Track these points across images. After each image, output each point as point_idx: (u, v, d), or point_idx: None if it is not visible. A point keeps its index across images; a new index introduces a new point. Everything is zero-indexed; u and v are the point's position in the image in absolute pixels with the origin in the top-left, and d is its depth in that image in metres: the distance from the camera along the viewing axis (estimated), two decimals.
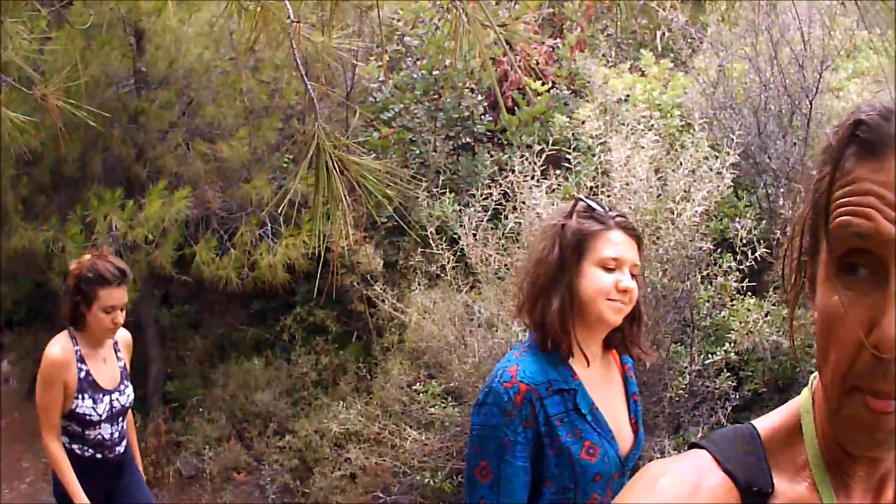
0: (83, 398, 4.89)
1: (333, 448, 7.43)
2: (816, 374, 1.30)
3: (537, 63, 8.08)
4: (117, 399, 5.07)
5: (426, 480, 6.61)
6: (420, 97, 8.56)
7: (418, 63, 8.76)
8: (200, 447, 8.40)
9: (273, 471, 7.91)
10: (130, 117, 8.45)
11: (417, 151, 8.37)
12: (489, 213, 6.56)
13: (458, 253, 6.65)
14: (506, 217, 6.47)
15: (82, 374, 4.89)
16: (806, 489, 1.25)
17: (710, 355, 6.28)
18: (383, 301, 7.03)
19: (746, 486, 1.24)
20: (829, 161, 1.16)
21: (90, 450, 5.03)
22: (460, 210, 6.79)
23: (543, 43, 8.46)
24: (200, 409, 8.73)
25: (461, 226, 6.57)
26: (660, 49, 8.29)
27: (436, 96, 8.50)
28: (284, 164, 8.83)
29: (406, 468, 6.72)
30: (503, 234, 6.49)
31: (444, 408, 6.73)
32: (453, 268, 6.57)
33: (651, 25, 8.54)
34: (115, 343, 5.22)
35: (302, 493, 7.68)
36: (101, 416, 4.96)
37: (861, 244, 1.09)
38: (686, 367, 6.30)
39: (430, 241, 6.58)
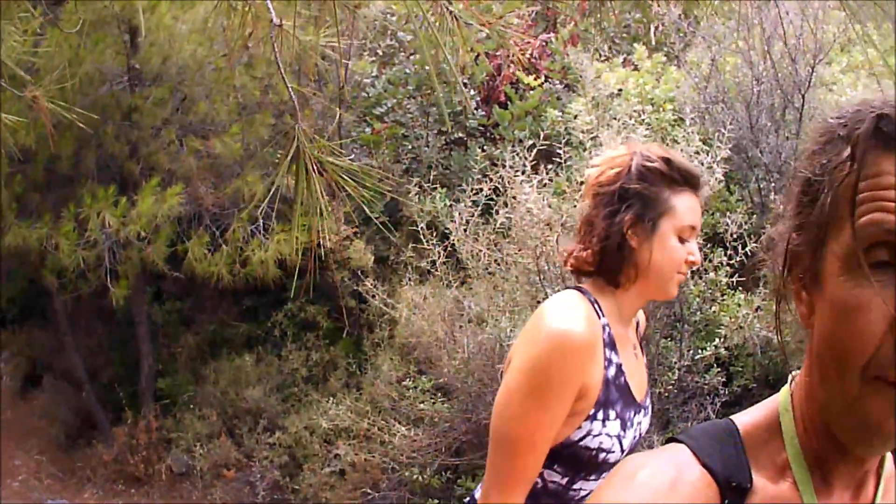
0: (606, 418, 2.61)
1: (323, 444, 7.41)
2: (796, 372, 1.33)
3: (530, 57, 8.07)
4: (642, 420, 2.80)
5: (415, 476, 6.61)
6: (413, 92, 8.57)
7: (411, 58, 8.77)
8: (191, 444, 8.39)
9: (263, 467, 7.90)
10: (124, 114, 8.44)
11: (409, 146, 8.38)
12: (480, 208, 6.54)
13: (449, 248, 6.63)
14: (497, 212, 6.45)
15: (611, 373, 2.62)
16: (786, 488, 1.25)
17: (699, 350, 6.27)
18: (374, 297, 7.01)
19: (725, 480, 1.24)
20: (852, 155, 1.16)
21: None
22: (451, 205, 6.78)
23: (537, 37, 8.45)
24: (191, 406, 8.73)
25: (452, 221, 6.55)
26: (653, 43, 8.28)
27: (428, 91, 8.50)
28: (277, 161, 8.78)
29: (395, 464, 6.70)
30: (494, 229, 6.48)
31: (434, 403, 6.72)
32: (444, 263, 6.56)
33: (645, 19, 8.53)
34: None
35: (292, 490, 7.68)
36: (623, 450, 2.67)
37: (888, 238, 1.10)
38: (675, 363, 6.28)
39: (421, 237, 6.56)
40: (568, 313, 2.54)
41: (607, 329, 2.62)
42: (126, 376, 9.28)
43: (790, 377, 1.33)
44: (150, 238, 7.94)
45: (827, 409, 1.20)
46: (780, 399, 1.33)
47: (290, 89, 3.69)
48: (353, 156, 7.97)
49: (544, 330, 2.51)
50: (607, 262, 2.66)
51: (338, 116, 8.15)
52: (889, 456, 1.33)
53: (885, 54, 8.80)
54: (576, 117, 6.76)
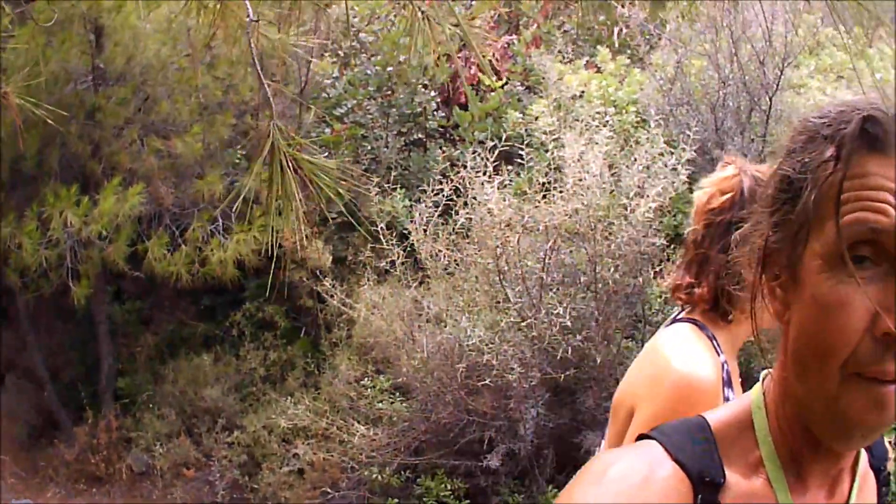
0: None
1: (281, 444, 7.40)
2: (768, 371, 1.33)
3: (492, 59, 8.07)
4: None
5: (374, 476, 6.62)
6: (373, 93, 8.57)
7: (372, 59, 8.75)
8: (151, 443, 8.35)
9: (222, 466, 7.87)
10: (87, 114, 8.44)
11: (369, 147, 8.37)
12: (440, 208, 6.54)
13: (409, 249, 6.62)
14: (456, 213, 6.44)
15: None
16: (760, 485, 1.25)
17: None
18: (332, 296, 7.00)
19: (698, 476, 1.22)
20: (837, 154, 1.17)
21: None
22: (411, 206, 6.77)
23: (499, 39, 8.46)
24: (151, 405, 8.69)
25: (411, 221, 6.54)
26: (616, 45, 8.29)
27: (389, 92, 8.50)
28: (237, 161, 8.83)
29: (354, 463, 6.71)
30: (454, 229, 6.47)
31: (392, 403, 6.72)
32: (402, 263, 6.54)
33: (609, 22, 8.54)
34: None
35: (251, 489, 7.65)
36: None
37: (871, 237, 1.12)
38: None
39: (381, 237, 6.54)
40: (692, 355, 2.37)
41: (725, 367, 2.45)
42: (87, 375, 9.25)
43: (762, 375, 1.34)
44: (111, 237, 7.90)
45: (805, 405, 1.21)
46: (752, 397, 1.33)
47: (265, 86, 3.68)
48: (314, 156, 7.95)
49: (671, 376, 2.31)
50: (725, 299, 2.48)
51: (300, 115, 8.15)
52: (864, 454, 1.34)
53: (854, 58, 8.87)
54: (537, 119, 6.76)
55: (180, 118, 8.55)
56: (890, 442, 5.50)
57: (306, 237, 7.43)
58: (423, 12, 3.82)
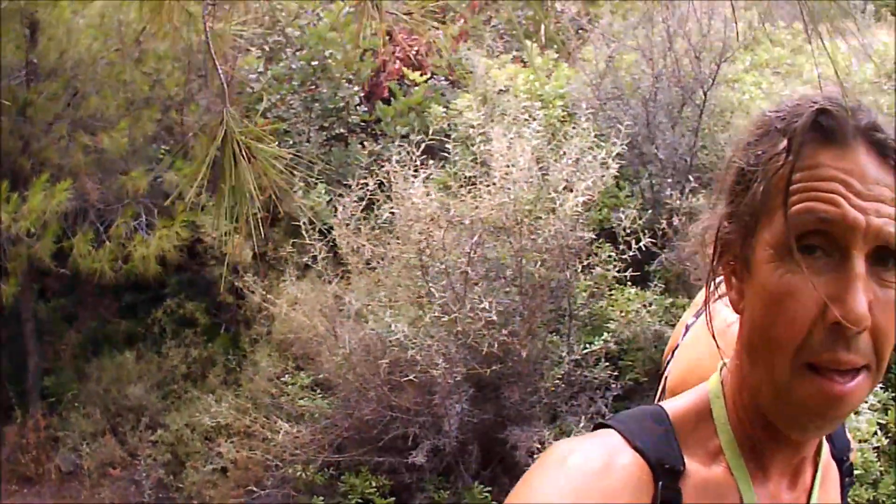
0: None
1: (205, 442, 7.34)
2: (725, 361, 1.34)
3: (417, 53, 8.05)
4: None
5: (298, 473, 6.55)
6: (297, 88, 8.53)
7: (297, 54, 8.70)
8: (78, 442, 8.27)
9: (147, 466, 7.80)
10: (19, 109, 8.35)
11: (291, 142, 8.28)
12: (363, 203, 6.49)
13: (331, 244, 6.57)
14: (379, 207, 6.40)
15: None
16: (720, 472, 1.26)
17: (587, 345, 6.26)
18: (253, 292, 6.93)
19: (658, 463, 1.22)
20: (788, 146, 1.19)
21: None
22: (332, 200, 6.72)
23: (426, 33, 8.44)
24: (76, 404, 8.61)
25: (333, 216, 6.49)
26: (544, 41, 8.28)
27: (313, 87, 8.45)
28: (160, 157, 8.76)
29: (278, 461, 6.63)
30: (377, 224, 6.43)
31: (314, 400, 6.66)
32: (324, 259, 6.48)
33: (537, 17, 8.53)
34: None
35: (176, 488, 7.58)
36: None
37: (821, 227, 1.13)
38: (563, 357, 6.27)
39: (303, 232, 6.48)
40: None
41: None
42: (14, 374, 9.11)
43: (719, 365, 1.35)
44: (39, 234, 7.82)
45: (759, 394, 1.21)
46: (709, 386, 1.34)
47: (220, 71, 3.62)
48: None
49: None
50: None
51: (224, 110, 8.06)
52: (825, 445, 1.36)
53: (792, 53, 8.90)
54: (461, 113, 6.74)
55: (108, 113, 8.46)
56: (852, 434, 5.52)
57: (226, 233, 7.41)
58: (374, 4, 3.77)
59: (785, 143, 1.20)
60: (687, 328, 2.37)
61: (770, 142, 1.23)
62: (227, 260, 7.54)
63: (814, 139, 1.17)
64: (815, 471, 1.33)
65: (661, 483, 1.20)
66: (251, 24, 8.06)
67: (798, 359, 1.14)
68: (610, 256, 6.27)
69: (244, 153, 3.14)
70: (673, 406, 1.32)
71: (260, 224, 3.07)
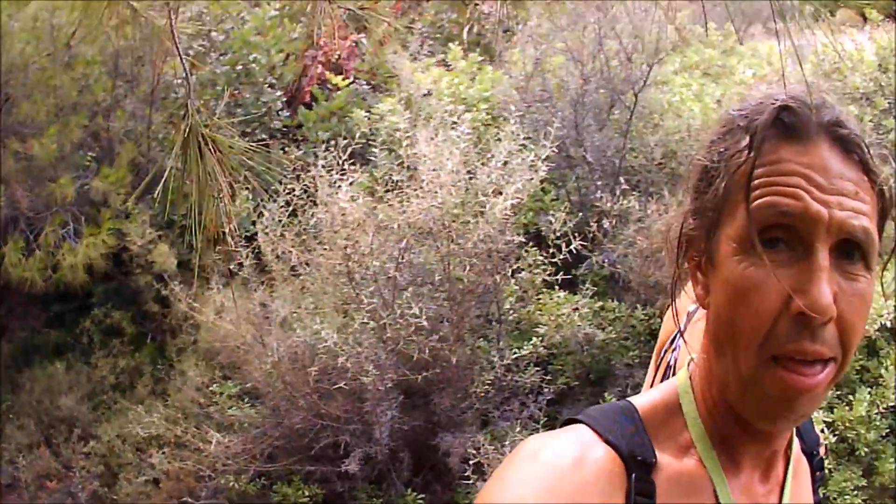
0: None
1: (136, 452, 7.27)
2: (692, 356, 1.37)
3: (338, 58, 8.04)
4: None
5: (231, 483, 6.50)
6: (220, 93, 8.49)
7: (221, 59, 8.65)
8: (14, 455, 8.16)
9: (82, 477, 7.70)
10: None
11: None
12: (287, 209, 6.45)
13: (256, 251, 6.54)
14: (303, 213, 6.37)
15: None
16: (693, 465, 1.27)
17: (517, 350, 6.26)
18: (179, 301, 6.89)
19: (630, 456, 1.23)
20: (750, 142, 1.22)
21: None
22: (255, 206, 6.68)
23: (347, 38, 8.43)
24: (10, 416, 8.50)
25: (254, 223, 6.46)
26: (466, 43, 8.28)
27: (236, 91, 8.41)
28: (87, 163, 8.67)
29: (210, 472, 6.58)
30: (302, 230, 6.40)
31: (243, 409, 6.63)
32: (249, 266, 6.45)
33: (460, 20, 8.54)
34: None
35: (111, 500, 7.50)
36: None
37: (784, 221, 1.16)
38: (493, 363, 6.27)
39: (228, 239, 6.45)
40: None
41: None
42: None
43: (687, 360, 1.37)
44: None
45: (727, 388, 1.24)
46: (678, 381, 1.35)
47: (184, 64, 3.59)
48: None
49: None
50: None
51: (150, 115, 8.04)
52: (795, 440, 1.40)
53: (723, 55, 8.96)
54: (382, 118, 6.72)
55: (38, 119, 8.37)
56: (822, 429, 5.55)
57: (151, 241, 7.37)
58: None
59: (747, 139, 1.22)
60: (689, 315, 2.47)
61: (733, 139, 1.26)
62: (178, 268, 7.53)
63: (775, 135, 1.20)
64: (787, 464, 1.36)
65: (634, 475, 1.22)
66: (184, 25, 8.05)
67: (763, 351, 1.16)
68: (537, 260, 6.27)
69: (211, 147, 3.10)
70: (642, 401, 1.33)
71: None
